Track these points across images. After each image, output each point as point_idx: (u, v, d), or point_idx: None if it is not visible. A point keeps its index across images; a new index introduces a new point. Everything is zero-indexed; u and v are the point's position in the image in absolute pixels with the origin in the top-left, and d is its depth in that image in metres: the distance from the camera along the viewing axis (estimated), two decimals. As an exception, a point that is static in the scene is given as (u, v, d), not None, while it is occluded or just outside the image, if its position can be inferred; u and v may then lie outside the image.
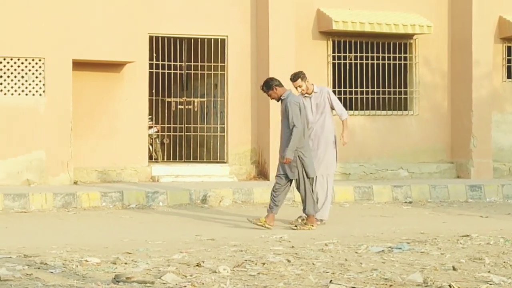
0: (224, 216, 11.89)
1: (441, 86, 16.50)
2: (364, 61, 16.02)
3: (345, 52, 15.88)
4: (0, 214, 11.91)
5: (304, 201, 10.61)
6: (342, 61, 15.88)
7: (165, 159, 15.91)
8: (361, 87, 16.05)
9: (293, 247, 8.68)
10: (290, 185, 10.71)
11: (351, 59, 15.92)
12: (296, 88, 11.11)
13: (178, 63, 15.45)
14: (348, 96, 15.98)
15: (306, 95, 11.10)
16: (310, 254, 8.19)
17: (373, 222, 11.33)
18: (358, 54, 15.97)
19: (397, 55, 16.24)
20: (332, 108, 11.16)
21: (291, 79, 11.14)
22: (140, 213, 12.14)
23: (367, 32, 15.62)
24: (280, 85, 10.60)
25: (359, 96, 16.05)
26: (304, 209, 10.65)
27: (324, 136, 11.07)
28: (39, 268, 7.27)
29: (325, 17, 15.48)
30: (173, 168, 14.98)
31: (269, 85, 10.59)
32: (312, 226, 10.47)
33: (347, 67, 15.96)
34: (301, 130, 10.46)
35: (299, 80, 11.03)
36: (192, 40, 15.41)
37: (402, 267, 7.47)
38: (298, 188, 10.64)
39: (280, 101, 10.67)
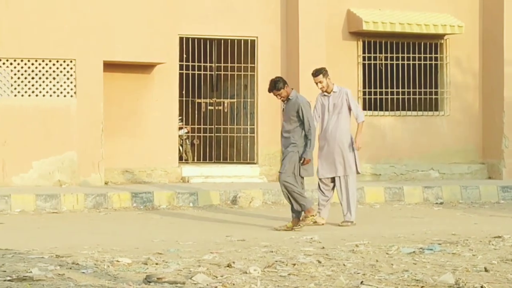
0: (254, 217, 11.89)
1: (472, 86, 16.39)
2: (395, 62, 15.96)
3: (375, 52, 15.82)
4: (32, 214, 12.00)
5: (295, 199, 10.40)
6: (372, 62, 15.83)
7: (195, 160, 15.95)
8: (392, 87, 15.99)
9: (323, 248, 8.66)
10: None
11: (381, 60, 15.87)
12: (316, 83, 11.01)
13: (208, 64, 15.49)
14: (378, 96, 15.93)
15: (325, 93, 11.03)
16: (341, 255, 8.16)
17: (404, 223, 11.27)
18: (389, 55, 15.90)
19: (427, 55, 16.16)
20: (350, 109, 11.04)
21: (312, 74, 11.07)
22: (171, 214, 12.18)
23: (397, 32, 15.56)
24: (284, 84, 10.48)
25: (389, 96, 15.99)
26: (299, 208, 10.42)
27: (339, 136, 10.95)
28: (71, 268, 7.32)
29: (355, 17, 15.44)
30: (203, 169, 15.01)
31: (281, 85, 10.41)
32: (313, 216, 10.36)
33: (378, 68, 15.91)
34: (315, 129, 10.47)
35: (321, 76, 10.95)
36: (222, 41, 15.44)
37: (433, 268, 7.42)
38: (290, 184, 10.40)
39: (286, 101, 10.49)
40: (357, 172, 11.10)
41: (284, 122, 10.55)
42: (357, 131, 11.07)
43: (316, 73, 11.01)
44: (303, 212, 10.47)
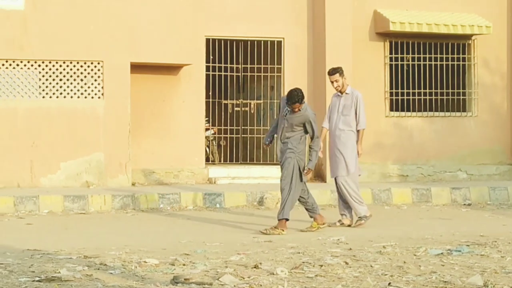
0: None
1: (500, 87, 16.29)
2: (422, 62, 15.89)
3: (402, 53, 15.77)
4: (60, 215, 12.08)
5: (284, 203, 10.27)
6: (399, 62, 15.78)
7: (222, 161, 15.98)
8: (419, 88, 15.93)
9: (350, 249, 8.63)
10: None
11: (408, 60, 15.81)
12: (332, 82, 10.93)
13: (234, 65, 15.52)
14: (405, 97, 15.87)
15: (338, 93, 10.98)
16: (368, 256, 8.14)
17: (431, 225, 11.22)
18: (416, 55, 15.84)
19: (455, 55, 16.07)
20: (356, 113, 10.90)
21: (329, 72, 11.00)
22: (197, 215, 12.20)
23: (424, 33, 15.49)
24: (303, 99, 10.39)
25: (416, 97, 15.93)
26: (281, 212, 10.28)
27: (343, 137, 10.88)
28: (98, 269, 7.35)
29: (382, 18, 15.40)
30: (229, 170, 15.03)
31: (300, 99, 10.20)
32: (283, 230, 10.13)
33: (405, 68, 15.85)
34: (319, 141, 10.47)
35: (337, 75, 10.87)
36: (249, 42, 15.46)
37: (461, 270, 7.38)
38: (286, 189, 10.28)
39: (296, 111, 10.31)
40: (356, 173, 10.98)
41: (285, 128, 10.34)
42: (358, 138, 10.91)
43: (333, 71, 10.94)
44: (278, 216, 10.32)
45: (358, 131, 10.93)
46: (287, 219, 10.22)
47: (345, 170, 10.90)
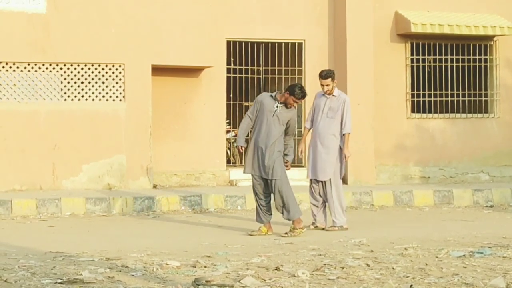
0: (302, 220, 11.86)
1: (522, 88, 16.19)
2: (444, 64, 15.83)
3: (424, 54, 15.71)
4: (82, 217, 12.13)
5: (287, 204, 10.20)
6: (421, 64, 15.72)
7: (243, 163, 15.95)
8: (441, 89, 15.86)
9: (372, 251, 8.61)
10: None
11: (430, 62, 15.75)
12: (323, 85, 10.78)
13: (255, 68, 15.52)
14: (427, 99, 15.81)
15: (324, 94, 10.87)
16: (390, 258, 8.11)
17: (453, 226, 11.16)
18: (437, 57, 15.78)
19: (477, 57, 15.99)
20: (342, 117, 10.79)
21: (321, 75, 10.82)
22: (219, 217, 12.21)
23: (446, 34, 15.43)
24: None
25: (438, 99, 15.87)
26: (288, 214, 10.22)
27: (327, 140, 10.74)
28: (120, 271, 7.37)
29: (403, 19, 15.35)
30: (251, 172, 15.00)
31: (303, 96, 10.25)
32: (302, 229, 10.12)
33: (426, 70, 15.79)
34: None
35: (330, 79, 10.75)
36: (270, 44, 15.46)
37: (484, 272, 7.34)
38: (279, 191, 10.21)
39: (284, 106, 10.27)
40: (340, 177, 10.84)
41: (272, 123, 10.23)
42: (345, 142, 10.77)
43: (326, 75, 10.79)
44: (287, 218, 10.28)
45: (343, 135, 10.77)
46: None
47: (331, 174, 10.73)
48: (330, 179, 10.80)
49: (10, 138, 13.54)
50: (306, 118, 11.15)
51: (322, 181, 10.83)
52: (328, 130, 10.76)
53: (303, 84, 15.35)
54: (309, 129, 11.10)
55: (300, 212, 10.31)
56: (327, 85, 10.78)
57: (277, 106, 10.27)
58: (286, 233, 10.14)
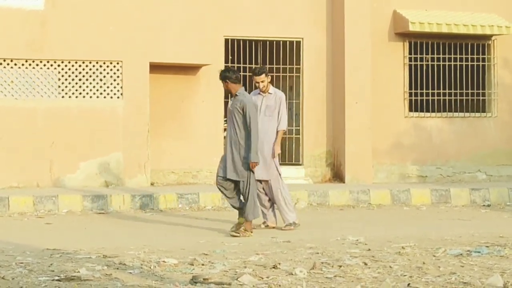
0: (299, 219, 11.86)
1: (520, 87, 16.20)
2: (441, 63, 15.83)
3: (421, 53, 15.71)
4: (79, 215, 12.12)
5: (245, 205, 10.06)
6: (418, 63, 15.73)
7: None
8: (438, 88, 15.87)
9: (369, 249, 8.61)
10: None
11: (428, 61, 15.76)
12: (258, 83, 10.65)
13: (253, 66, 15.49)
14: (425, 98, 15.82)
15: (260, 93, 10.73)
16: (387, 257, 8.11)
17: (450, 225, 11.17)
18: (435, 56, 15.78)
19: (475, 56, 15.99)
20: (278, 114, 10.65)
21: (255, 72, 10.72)
22: (216, 215, 12.20)
23: (444, 33, 15.43)
24: (236, 80, 10.08)
25: (436, 98, 15.87)
26: (243, 214, 10.09)
27: (268, 139, 10.61)
28: (118, 269, 7.37)
29: (401, 18, 15.35)
30: (248, 170, 15.00)
31: (222, 76, 10.08)
32: (251, 232, 10.01)
33: (424, 69, 15.80)
34: (257, 131, 10.01)
35: (263, 75, 10.62)
36: (268, 43, 15.46)
37: (481, 271, 7.34)
38: (243, 192, 10.09)
39: (233, 96, 10.15)
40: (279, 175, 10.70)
41: (231, 121, 10.16)
42: (276, 138, 10.64)
43: (259, 71, 10.67)
44: (241, 217, 10.11)
45: (277, 132, 10.66)
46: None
47: (275, 174, 10.64)
48: (272, 179, 10.66)
49: (7, 135, 13.52)
50: None
51: (267, 180, 10.70)
52: (268, 129, 10.64)
53: (301, 83, 15.37)
54: None
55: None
56: (262, 82, 10.65)
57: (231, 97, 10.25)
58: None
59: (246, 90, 10.52)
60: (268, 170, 10.68)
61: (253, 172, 10.08)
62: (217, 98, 14.83)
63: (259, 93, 10.78)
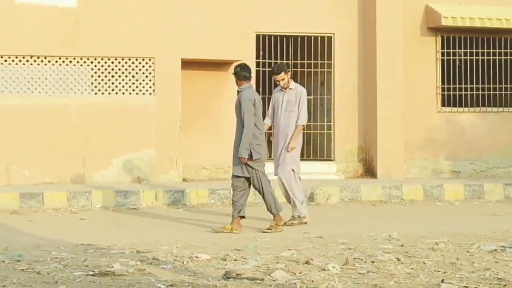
0: (331, 214, 11.86)
1: (555, 82, 16.04)
2: (474, 57, 15.72)
3: (454, 48, 15.61)
4: (112, 211, 12.19)
5: (265, 201, 10.12)
6: (451, 57, 15.62)
7: (272, 157, 15.93)
8: (471, 83, 15.76)
9: (402, 245, 8.58)
10: (250, 186, 10.14)
11: (460, 55, 15.65)
12: (279, 81, 10.67)
13: (284, 61, 15.48)
14: (458, 93, 15.71)
15: (281, 88, 10.73)
16: (420, 253, 8.08)
17: (484, 221, 11.09)
18: (468, 50, 15.67)
19: (508, 50, 15.86)
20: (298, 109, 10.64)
21: (274, 72, 10.73)
22: (248, 210, 12.19)
23: (477, 27, 15.31)
24: (243, 77, 10.11)
25: (469, 92, 15.76)
26: (271, 210, 10.11)
27: (287, 134, 10.62)
28: (151, 264, 7.41)
29: (434, 12, 15.25)
30: (280, 165, 14.99)
31: (233, 71, 10.21)
32: (283, 226, 10.01)
33: (457, 63, 15.69)
34: (252, 127, 9.95)
35: (283, 73, 10.63)
36: (299, 38, 15.43)
37: (516, 267, 7.30)
38: (258, 188, 10.09)
39: (237, 93, 10.22)
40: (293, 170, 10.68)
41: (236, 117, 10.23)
42: (294, 133, 10.63)
43: (278, 70, 10.66)
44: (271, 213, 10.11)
45: (297, 126, 10.64)
46: None
47: (287, 170, 10.62)
48: (284, 173, 10.63)
49: (41, 131, 13.63)
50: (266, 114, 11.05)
51: (283, 173, 10.69)
52: (289, 124, 10.66)
53: (333, 78, 15.32)
54: (269, 126, 10.99)
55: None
56: (282, 80, 10.68)
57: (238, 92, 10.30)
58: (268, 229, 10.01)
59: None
60: (280, 165, 10.69)
61: (251, 167, 10.03)
62: (249, 93, 14.81)
63: (281, 90, 10.82)
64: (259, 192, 10.18)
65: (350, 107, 15.27)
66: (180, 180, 14.04)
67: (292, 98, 10.72)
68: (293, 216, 10.72)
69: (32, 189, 12.68)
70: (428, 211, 12.32)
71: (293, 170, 10.70)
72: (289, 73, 10.86)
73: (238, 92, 10.27)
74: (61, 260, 7.56)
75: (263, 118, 10.44)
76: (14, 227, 10.29)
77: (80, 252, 8.04)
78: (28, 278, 6.66)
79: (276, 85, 11.15)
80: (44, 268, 7.12)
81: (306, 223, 10.72)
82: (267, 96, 15.55)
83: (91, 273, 6.88)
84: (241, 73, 10.17)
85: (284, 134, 10.68)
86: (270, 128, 11.22)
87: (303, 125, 10.76)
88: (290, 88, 10.77)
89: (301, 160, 15.52)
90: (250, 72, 10.22)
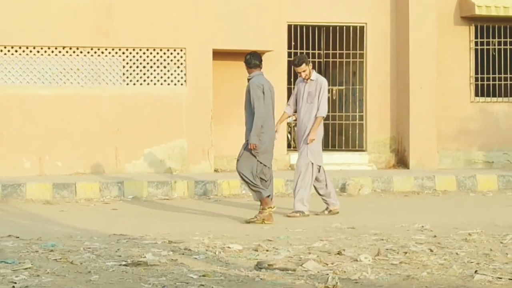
0: (363, 205, 11.82)
1: None
2: (509, 47, 15.57)
3: (488, 37, 15.46)
4: (144, 201, 12.24)
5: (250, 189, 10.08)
6: (485, 47, 15.48)
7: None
8: (505, 73, 15.61)
9: (435, 236, 8.52)
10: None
11: (494, 45, 15.49)
12: (300, 73, 10.60)
13: (316, 51, 15.44)
14: (491, 82, 15.58)
15: (304, 80, 10.65)
16: (453, 243, 8.02)
17: (518, 212, 10.99)
18: (502, 39, 15.52)
19: (543, 39, 15.69)
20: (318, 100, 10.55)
21: (295, 64, 10.67)
22: (279, 201, 12.18)
23: (511, 16, 15.14)
24: (252, 66, 10.12)
25: (503, 82, 15.62)
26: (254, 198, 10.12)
27: (310, 125, 10.52)
28: (183, 254, 7.43)
29: (467, 2, 15.12)
30: (311, 156, 14.96)
31: (244, 59, 10.19)
32: (271, 207, 9.86)
33: (491, 53, 15.54)
34: (262, 113, 9.93)
35: (304, 65, 10.56)
36: (331, 28, 15.37)
37: (550, 259, 7.22)
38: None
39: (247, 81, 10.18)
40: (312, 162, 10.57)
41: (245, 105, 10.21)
42: (314, 125, 10.52)
43: (299, 62, 10.59)
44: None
45: (316, 118, 10.55)
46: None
47: (305, 163, 10.53)
48: (300, 166, 10.59)
49: (74, 122, 13.71)
50: (287, 103, 11.00)
51: (303, 165, 10.62)
52: (310, 115, 10.59)
53: (365, 68, 15.24)
54: (289, 115, 11.01)
55: (265, 192, 9.95)
56: (304, 71, 10.62)
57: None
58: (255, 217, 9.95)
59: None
60: (298, 157, 10.64)
61: (253, 155, 10.03)
62: (280, 83, 14.80)
63: (302, 80, 10.77)
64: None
65: (382, 97, 15.19)
66: (211, 171, 14.06)
67: (312, 90, 10.65)
68: (297, 211, 10.60)
69: (64, 179, 12.77)
70: (461, 202, 12.23)
71: (312, 163, 10.61)
72: (310, 64, 10.80)
73: (248, 80, 10.18)
74: (94, 250, 7.61)
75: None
76: (47, 218, 10.37)
77: (112, 242, 8.08)
78: (62, 268, 6.71)
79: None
80: (77, 258, 7.17)
81: (338, 212, 10.64)
82: (298, 86, 15.55)
83: (123, 263, 6.91)
84: (251, 60, 10.18)
85: (304, 126, 10.64)
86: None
87: (323, 117, 10.67)
88: (311, 79, 10.71)
89: (333, 150, 15.65)
90: (260, 60, 10.22)
